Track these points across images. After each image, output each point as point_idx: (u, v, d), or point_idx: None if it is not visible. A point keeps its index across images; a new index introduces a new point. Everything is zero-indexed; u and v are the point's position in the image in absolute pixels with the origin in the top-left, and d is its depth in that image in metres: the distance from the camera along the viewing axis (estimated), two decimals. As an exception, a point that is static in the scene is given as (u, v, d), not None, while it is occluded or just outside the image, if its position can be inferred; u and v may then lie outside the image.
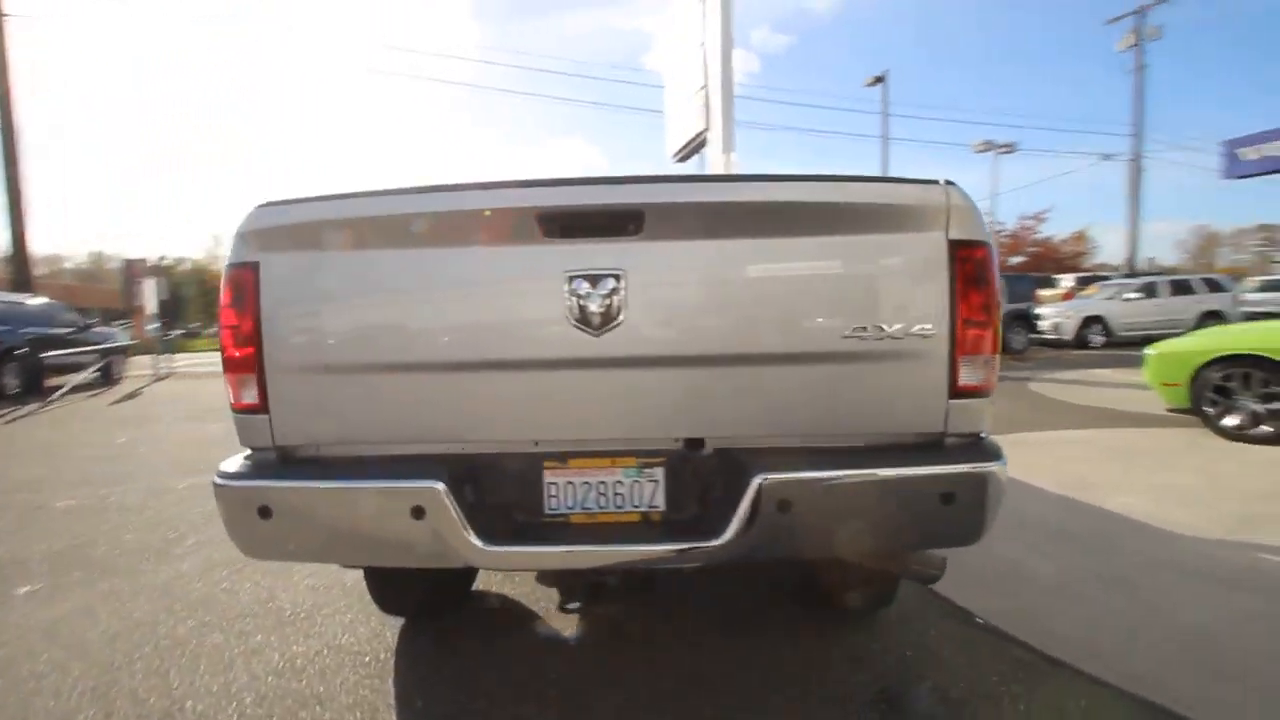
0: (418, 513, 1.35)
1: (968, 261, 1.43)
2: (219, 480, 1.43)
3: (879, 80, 20.49)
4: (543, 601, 2.27)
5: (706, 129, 13.70)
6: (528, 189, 1.43)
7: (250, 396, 1.45)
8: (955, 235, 1.43)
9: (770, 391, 1.45)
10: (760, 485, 1.35)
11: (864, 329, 1.41)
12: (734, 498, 1.37)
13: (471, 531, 1.35)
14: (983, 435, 1.50)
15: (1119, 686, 1.66)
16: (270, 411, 1.45)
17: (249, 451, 1.51)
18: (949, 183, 1.45)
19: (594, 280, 1.39)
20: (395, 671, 1.88)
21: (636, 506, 1.48)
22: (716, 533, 1.37)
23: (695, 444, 1.49)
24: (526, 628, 2.15)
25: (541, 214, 1.40)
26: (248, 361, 1.44)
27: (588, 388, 1.44)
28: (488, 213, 1.43)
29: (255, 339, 1.43)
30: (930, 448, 1.48)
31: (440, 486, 1.35)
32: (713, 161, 14.91)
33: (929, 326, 1.42)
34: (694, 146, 15.10)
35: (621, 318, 1.39)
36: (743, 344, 1.43)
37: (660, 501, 1.48)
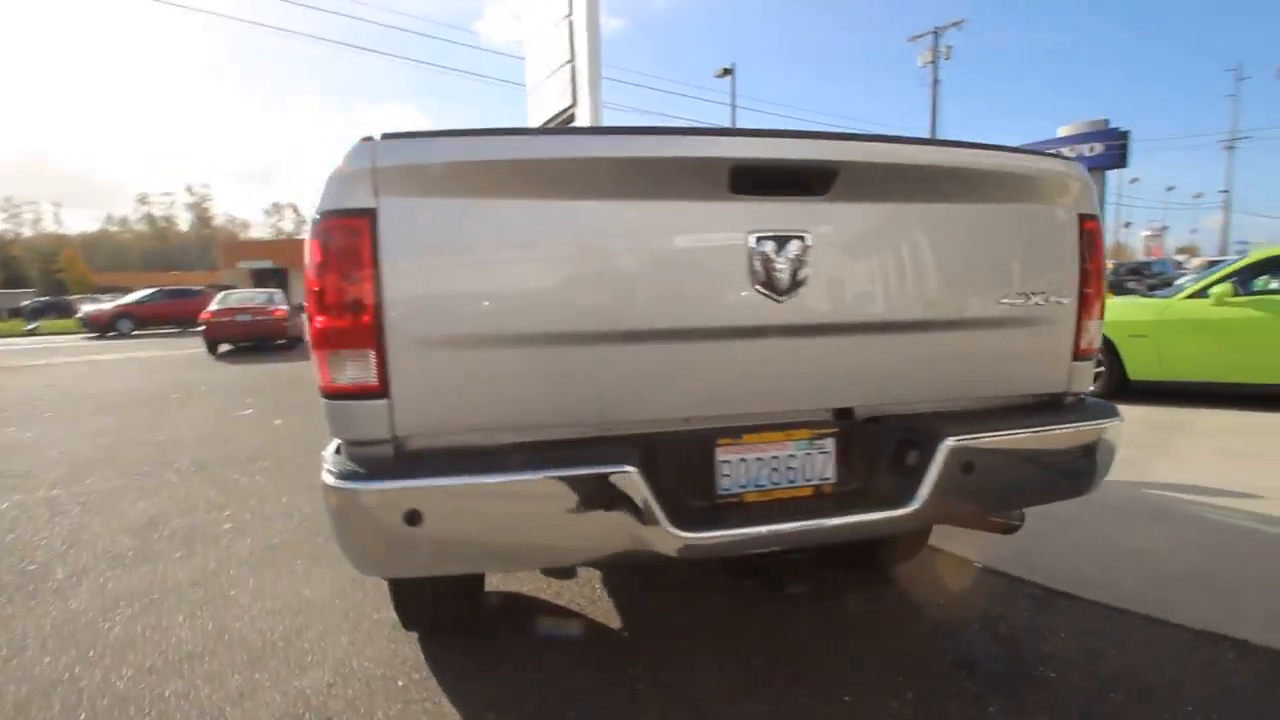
0: (608, 502, 1.20)
1: (1092, 233, 1.56)
2: (344, 484, 1.15)
3: (728, 72, 21.34)
4: (555, 593, 2.15)
5: (574, 105, 13.53)
6: (719, 139, 1.34)
7: (364, 376, 1.18)
8: (1082, 209, 1.56)
9: (924, 358, 1.47)
10: (950, 449, 1.35)
11: (1016, 295, 1.49)
12: (915, 464, 1.38)
13: (666, 518, 1.23)
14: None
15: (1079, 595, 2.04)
16: (392, 395, 1.19)
17: (347, 445, 1.23)
18: (1073, 160, 1.61)
19: (781, 241, 1.32)
20: (448, 691, 1.63)
21: (809, 480, 1.44)
22: (905, 500, 1.36)
23: (845, 413, 1.48)
24: (554, 622, 2.01)
25: (737, 166, 1.29)
26: (361, 332, 1.17)
27: (763, 357, 1.36)
28: (672, 162, 1.27)
29: (374, 304, 1.16)
30: (1054, 406, 1.59)
31: (633, 471, 1.20)
32: None
33: (1065, 292, 1.54)
34: (559, 123, 14.86)
35: (804, 282, 1.33)
36: (911, 310, 1.43)
37: (831, 473, 1.45)
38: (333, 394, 1.20)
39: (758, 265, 1.30)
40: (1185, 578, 2.09)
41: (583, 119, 13.64)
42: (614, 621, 1.97)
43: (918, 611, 1.99)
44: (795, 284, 1.32)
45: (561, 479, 1.19)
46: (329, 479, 1.16)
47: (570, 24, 12.70)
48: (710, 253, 1.31)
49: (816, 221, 1.34)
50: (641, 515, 1.20)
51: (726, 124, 22.46)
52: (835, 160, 1.33)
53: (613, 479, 1.19)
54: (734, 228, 1.30)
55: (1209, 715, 1.44)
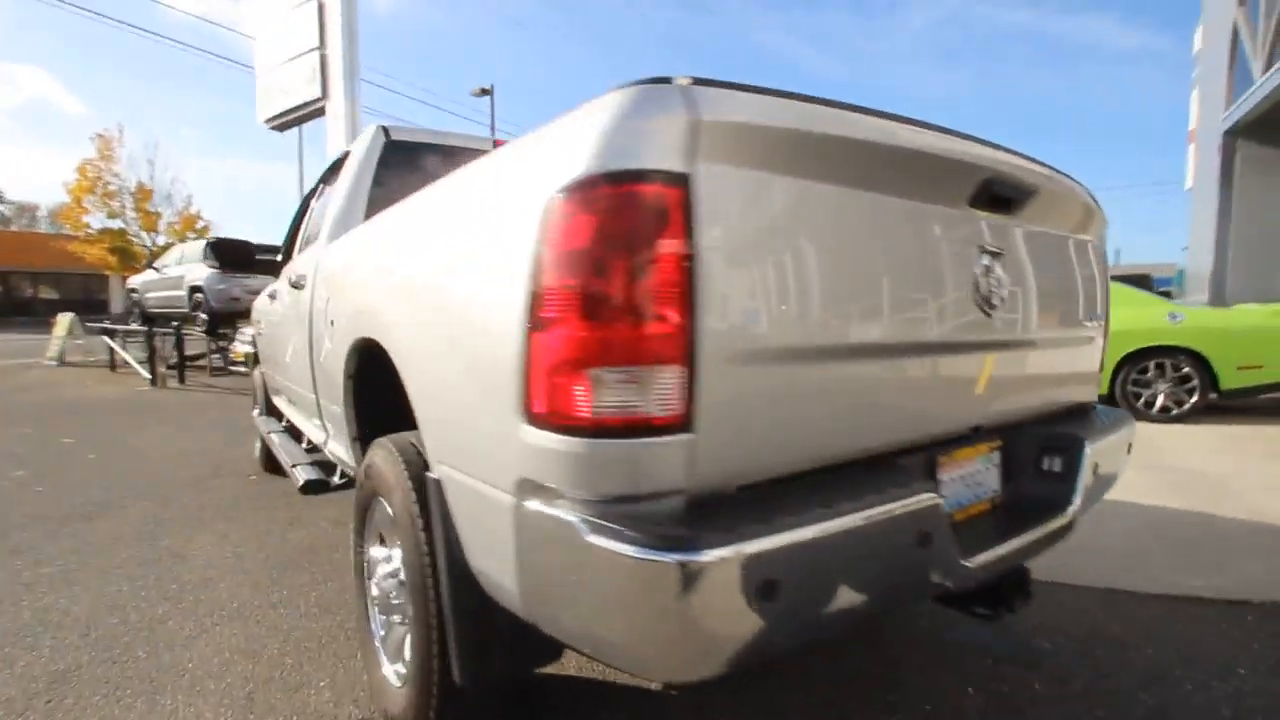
0: (928, 534, 1.06)
1: (1105, 259, 1.84)
2: (669, 557, 0.80)
3: (485, 92, 20.99)
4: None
5: (324, 99, 13.47)
6: (981, 147, 1.31)
7: (664, 403, 0.88)
8: (1102, 238, 1.86)
9: (1042, 371, 1.60)
10: (1092, 452, 1.46)
11: (1088, 316, 1.74)
12: (1061, 470, 1.46)
13: (958, 546, 1.14)
14: None
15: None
16: (697, 428, 0.91)
17: (604, 502, 0.89)
18: None
19: (994, 257, 1.35)
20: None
21: (984, 496, 1.43)
22: (1063, 506, 1.40)
23: (1001, 426, 1.51)
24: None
25: (989, 178, 1.29)
26: (666, 343, 0.88)
27: (966, 372, 1.36)
28: (956, 165, 1.24)
29: (686, 304, 0.88)
30: (1085, 413, 1.76)
31: (939, 500, 1.08)
32: (334, 140, 14.53)
33: (1101, 313, 1.80)
34: (301, 116, 14.59)
35: (1003, 300, 1.37)
36: (1047, 327, 1.56)
37: (998, 486, 1.47)
38: (595, 430, 0.87)
39: (980, 280, 1.31)
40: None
41: (336, 116, 13.81)
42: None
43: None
44: (999, 300, 1.35)
45: (903, 512, 1.02)
46: (641, 552, 0.80)
47: (320, 6, 12.82)
48: (955, 263, 1.27)
49: (1007, 240, 1.39)
50: (948, 544, 1.10)
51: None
52: (1034, 184, 1.40)
53: (928, 510, 1.05)
54: (970, 241, 1.30)
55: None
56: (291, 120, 14.94)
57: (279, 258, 3.77)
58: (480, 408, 1.05)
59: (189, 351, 10.27)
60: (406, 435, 1.54)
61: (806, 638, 0.98)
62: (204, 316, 10.28)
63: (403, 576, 1.50)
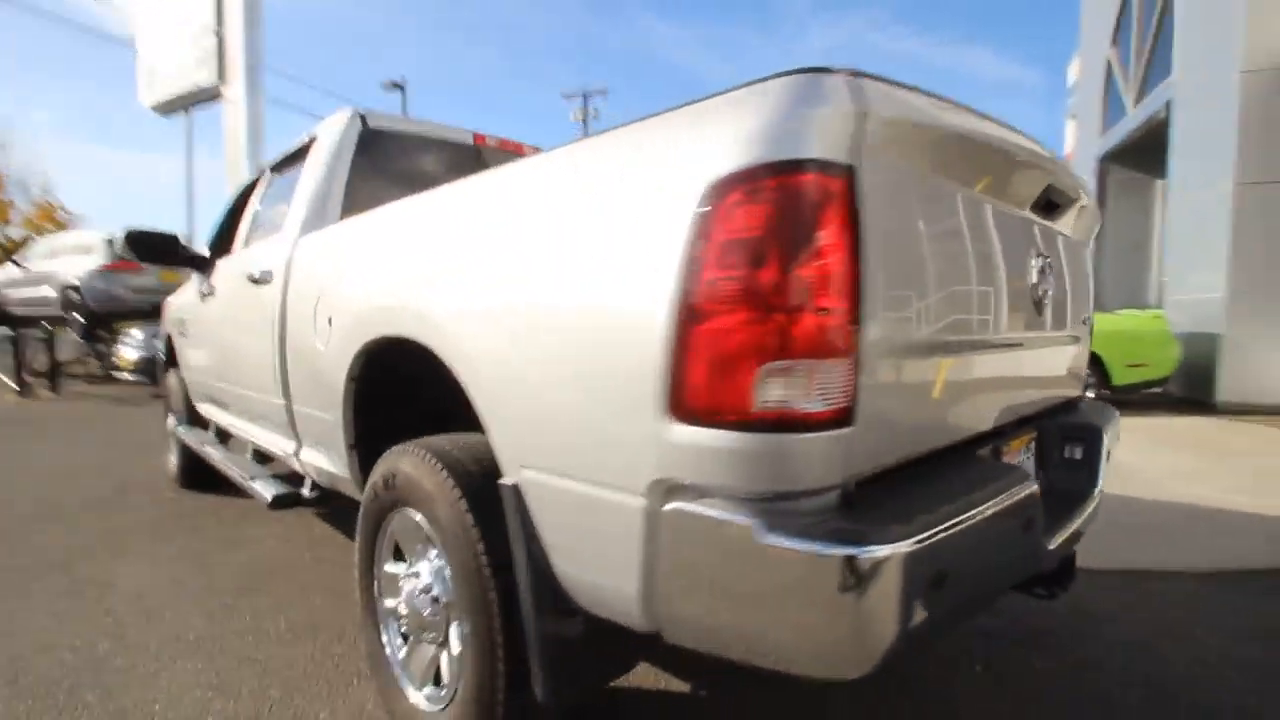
0: (1030, 522, 1.11)
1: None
2: (856, 551, 0.80)
3: (397, 86, 20.07)
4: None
5: (221, 85, 12.67)
6: (1041, 152, 1.38)
7: (830, 396, 0.87)
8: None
9: (1058, 368, 1.67)
10: (1108, 440, 1.56)
11: (1085, 315, 1.82)
12: (1081, 457, 1.55)
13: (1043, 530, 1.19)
14: None
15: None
16: (856, 422, 0.90)
17: (766, 499, 0.86)
18: None
19: (1043, 258, 1.44)
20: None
21: None
22: (1090, 491, 1.47)
23: (1032, 416, 1.58)
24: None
25: (1051, 184, 1.39)
26: (834, 336, 0.87)
27: (1024, 367, 1.45)
28: (1026, 165, 1.30)
29: (853, 296, 0.88)
30: (1079, 405, 1.88)
31: (1036, 488, 1.11)
32: (232, 130, 13.62)
33: (1090, 312, 1.90)
34: (191, 100, 13.64)
35: (1047, 300, 1.45)
36: (1067, 323, 1.63)
37: (1036, 473, 1.55)
38: (763, 425, 0.85)
39: (1035, 277, 1.39)
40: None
41: (235, 103, 13.00)
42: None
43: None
44: (1044, 300, 1.43)
45: (1018, 500, 1.04)
46: (806, 545, 0.80)
47: (219, -17, 11.22)
48: (1023, 263, 1.34)
49: (1051, 242, 1.49)
50: (1039, 528, 1.14)
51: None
52: (1074, 191, 1.49)
53: (1030, 497, 1.08)
54: (1029, 242, 1.37)
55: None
56: (180, 104, 13.73)
57: (205, 253, 3.43)
58: (597, 407, 0.99)
59: (62, 357, 9.15)
60: (441, 439, 1.44)
61: (949, 627, 1.02)
62: (80, 319, 9.20)
63: (437, 592, 1.41)
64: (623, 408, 0.95)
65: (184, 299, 3.59)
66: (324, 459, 2.01)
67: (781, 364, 0.84)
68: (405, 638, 1.57)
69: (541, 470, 1.12)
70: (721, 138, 0.88)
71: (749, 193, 0.84)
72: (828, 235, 0.84)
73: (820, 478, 0.87)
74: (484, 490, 1.29)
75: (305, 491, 2.26)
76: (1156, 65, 8.00)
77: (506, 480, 1.18)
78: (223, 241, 3.43)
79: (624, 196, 0.98)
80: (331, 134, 2.33)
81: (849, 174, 0.86)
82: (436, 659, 1.47)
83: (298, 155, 2.63)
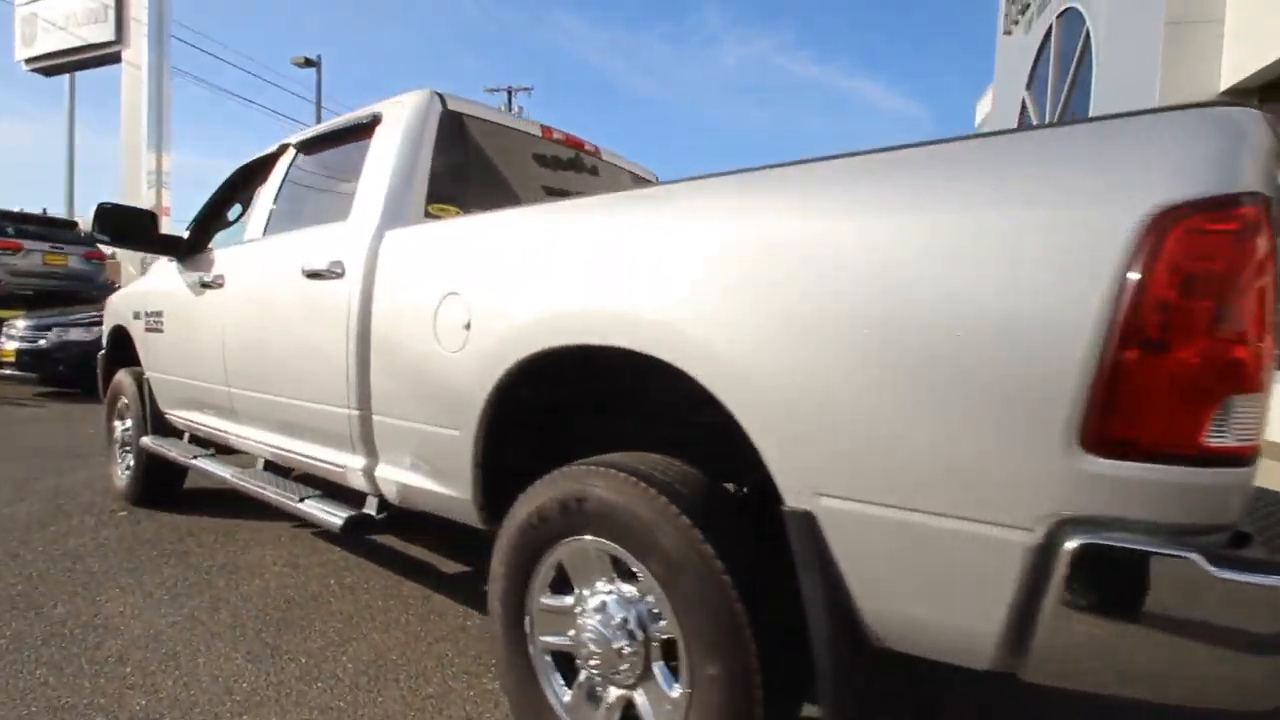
0: None
1: None
2: None
3: (310, 63, 18.70)
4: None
5: (119, 44, 11.74)
6: None
7: (1253, 432, 0.87)
8: None
9: None
10: None
11: None
12: None
13: None
14: None
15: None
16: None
17: (1166, 534, 0.85)
18: None
19: None
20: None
21: None
22: None
23: None
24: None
25: None
26: (1266, 372, 0.87)
27: None
28: None
29: (1264, 329, 0.86)
30: None
31: None
32: (131, 97, 12.49)
33: None
34: (80, 61, 12.61)
35: None
36: None
37: None
38: (1199, 458, 0.84)
39: None
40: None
41: (136, 67, 11.95)
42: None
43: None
44: None
45: None
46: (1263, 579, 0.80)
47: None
48: None
49: None
50: None
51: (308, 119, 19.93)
52: None
53: None
54: None
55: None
56: (66, 65, 12.18)
57: (185, 235, 3.03)
58: (970, 438, 0.93)
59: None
60: (628, 459, 1.36)
61: None
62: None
63: (635, 628, 1.30)
64: (1012, 438, 0.90)
65: (155, 288, 3.12)
66: (420, 478, 1.79)
67: (1240, 398, 0.84)
68: (571, 678, 1.42)
69: (851, 499, 1.03)
70: (1169, 162, 0.86)
71: (1209, 222, 0.83)
72: (1268, 266, 0.85)
73: (1237, 513, 0.88)
74: (714, 517, 1.24)
75: (373, 513, 2.01)
76: (1074, 108, 8.90)
77: (796, 507, 1.09)
78: (210, 227, 3.04)
79: (1034, 208, 0.92)
80: (407, 115, 2.09)
81: (1269, 205, 0.86)
82: (626, 702, 1.34)
83: (346, 135, 2.35)
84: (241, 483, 2.41)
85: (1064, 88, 9.25)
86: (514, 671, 1.51)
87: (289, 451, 2.31)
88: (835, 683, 1.07)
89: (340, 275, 1.97)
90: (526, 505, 1.47)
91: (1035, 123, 10.26)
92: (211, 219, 3.06)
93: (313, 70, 18.86)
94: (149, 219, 2.90)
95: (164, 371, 3.02)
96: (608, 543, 1.33)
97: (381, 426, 1.88)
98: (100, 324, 7.44)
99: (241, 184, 2.98)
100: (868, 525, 1.03)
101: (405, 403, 1.79)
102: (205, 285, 2.65)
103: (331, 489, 2.19)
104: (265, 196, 2.60)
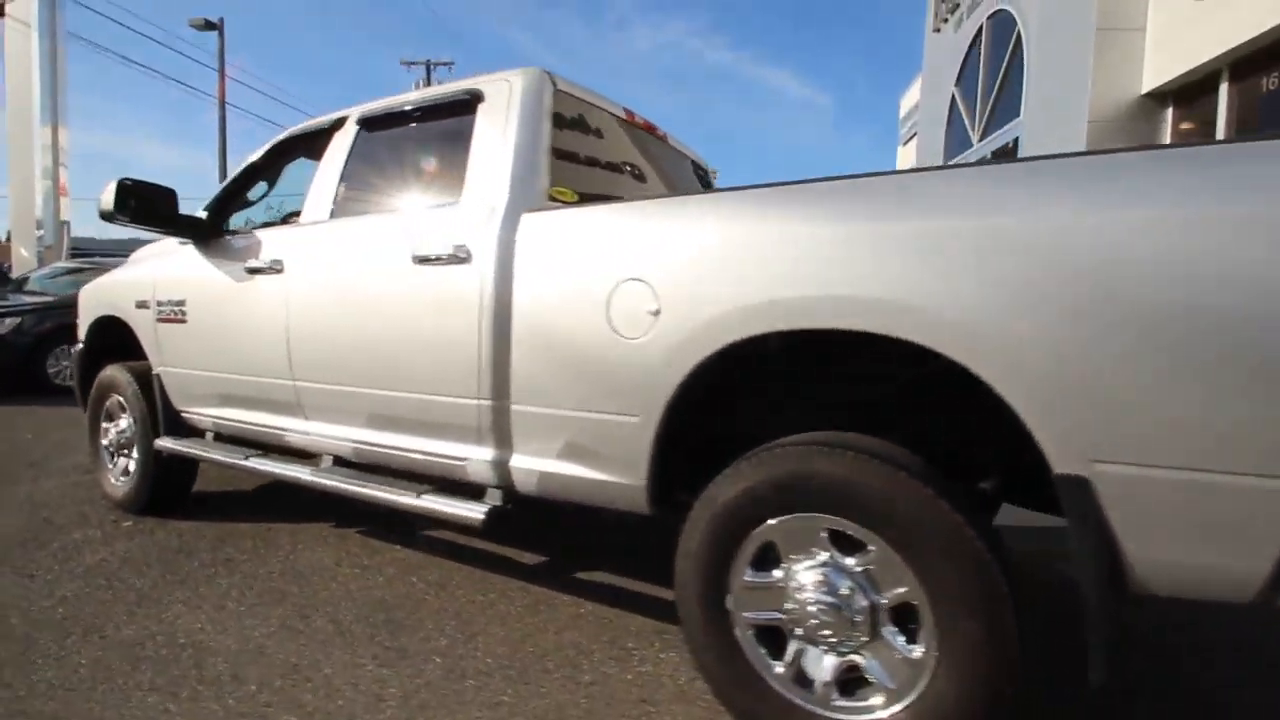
0: None
1: None
2: None
3: (212, 26, 17.01)
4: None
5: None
6: None
7: None
8: None
9: None
10: None
11: None
12: None
13: None
14: None
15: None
16: None
17: None
18: None
19: None
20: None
21: None
22: None
23: None
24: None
25: None
26: None
27: None
28: None
29: None
30: None
31: None
32: (19, 54, 11.36)
33: None
34: None
35: None
36: None
37: None
38: None
39: None
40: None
41: (21, 20, 10.97)
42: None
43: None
44: None
45: None
46: None
47: None
48: None
49: None
50: None
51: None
52: None
53: None
54: None
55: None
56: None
57: (204, 216, 2.79)
58: (1245, 402, 1.06)
59: None
60: (846, 437, 1.43)
61: None
62: None
63: (861, 594, 1.37)
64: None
65: (169, 274, 2.84)
66: (574, 466, 1.76)
67: None
68: (777, 651, 1.48)
69: (1128, 463, 1.14)
70: None
71: None
72: None
73: None
74: (945, 486, 1.32)
75: (503, 504, 1.95)
76: (1004, 106, 9.59)
77: (1069, 472, 1.18)
78: (230, 208, 2.80)
79: None
80: (520, 94, 2.01)
81: None
82: (848, 666, 1.40)
83: (434, 113, 2.23)
84: (326, 482, 2.26)
85: (994, 85, 9.93)
86: (714, 650, 1.53)
87: (377, 446, 2.19)
88: (1103, 619, 1.19)
89: (464, 261, 1.88)
90: (731, 486, 1.49)
91: (964, 116, 11.00)
92: (234, 200, 2.82)
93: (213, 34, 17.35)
94: (171, 197, 2.63)
95: (188, 366, 2.76)
96: (830, 517, 1.39)
97: (522, 416, 1.83)
98: (10, 315, 6.66)
99: (276, 162, 2.76)
100: (1144, 485, 1.14)
101: (561, 391, 1.75)
102: (254, 271, 2.44)
103: (431, 482, 2.11)
104: (326, 175, 2.42)
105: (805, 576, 1.42)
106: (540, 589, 2.36)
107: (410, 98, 2.32)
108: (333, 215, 2.35)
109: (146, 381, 2.96)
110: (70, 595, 2.27)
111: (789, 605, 1.44)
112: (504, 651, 1.92)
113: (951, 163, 9.65)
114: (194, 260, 2.72)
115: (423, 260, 1.97)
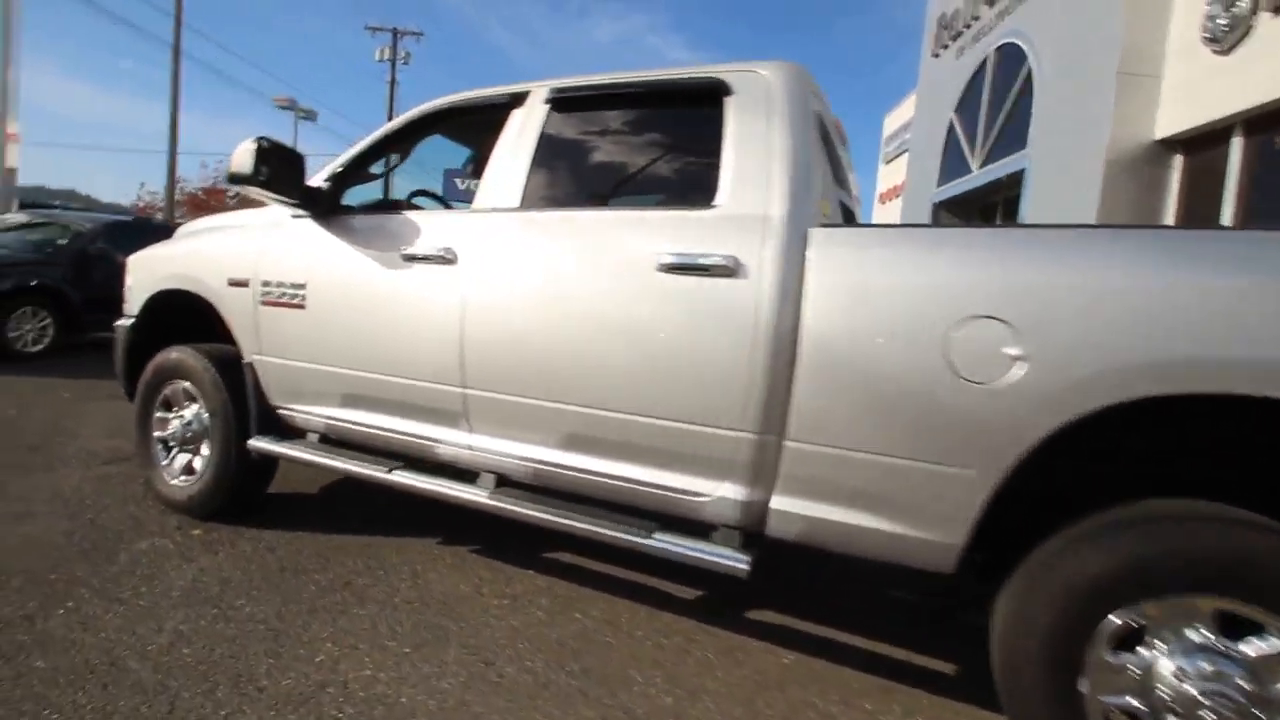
0: None
1: None
2: None
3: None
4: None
5: None
6: None
7: None
8: None
9: None
10: None
11: None
12: None
13: None
14: None
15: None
16: None
17: None
18: None
19: None
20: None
21: None
22: None
23: None
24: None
25: None
26: None
27: None
28: None
29: None
30: None
31: None
32: None
33: None
34: None
35: None
36: None
37: None
38: None
39: None
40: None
41: None
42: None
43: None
44: None
45: None
46: None
47: None
48: None
49: None
50: None
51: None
52: None
53: None
54: None
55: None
56: None
57: (324, 187, 2.45)
58: None
59: None
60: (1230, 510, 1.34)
61: None
62: None
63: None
64: None
65: (282, 248, 2.45)
66: (862, 515, 1.57)
67: None
68: None
69: None
70: None
71: None
72: None
73: None
74: None
75: (741, 552, 1.74)
76: (1009, 136, 9.86)
77: None
78: (350, 182, 2.47)
79: None
80: (781, 92, 1.80)
81: None
82: None
83: (659, 100, 1.99)
84: (514, 508, 1.98)
85: (999, 116, 10.21)
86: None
87: (564, 469, 1.94)
88: None
89: (733, 274, 1.67)
90: (1098, 556, 1.35)
91: (963, 142, 11.27)
92: (357, 172, 2.48)
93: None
94: (302, 163, 2.27)
95: (301, 359, 2.40)
96: (1226, 601, 1.27)
97: (799, 454, 1.63)
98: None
99: (415, 135, 2.44)
100: None
101: (860, 431, 1.56)
102: (413, 259, 2.13)
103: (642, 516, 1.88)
104: (509, 158, 2.13)
105: (1188, 664, 1.30)
106: (721, 630, 2.16)
107: (621, 78, 2.06)
108: (523, 205, 2.07)
109: (231, 370, 2.57)
110: (185, 630, 1.92)
111: (1166, 692, 1.31)
112: (742, 714, 1.72)
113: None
114: (317, 238, 2.37)
115: (673, 269, 1.73)
